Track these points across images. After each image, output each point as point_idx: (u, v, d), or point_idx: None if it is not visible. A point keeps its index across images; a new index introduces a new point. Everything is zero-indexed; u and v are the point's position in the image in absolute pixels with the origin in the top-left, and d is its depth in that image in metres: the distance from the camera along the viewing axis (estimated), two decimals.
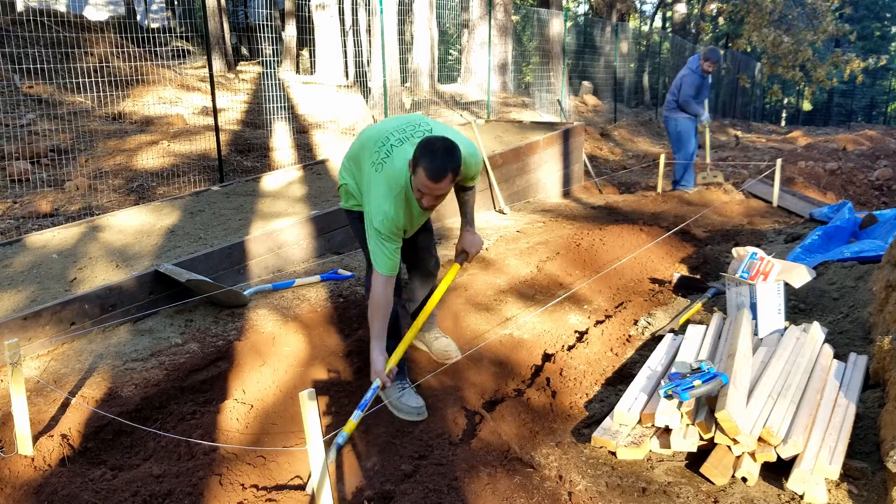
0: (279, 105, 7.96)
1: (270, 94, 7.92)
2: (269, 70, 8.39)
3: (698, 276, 4.89)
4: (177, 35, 14.24)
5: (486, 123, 9.59)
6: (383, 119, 3.22)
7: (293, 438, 3.02)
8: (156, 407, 3.18)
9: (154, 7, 19.17)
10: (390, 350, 2.98)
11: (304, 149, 8.33)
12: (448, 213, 6.21)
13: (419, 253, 3.33)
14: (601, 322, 4.06)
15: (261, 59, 14.23)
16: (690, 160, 8.32)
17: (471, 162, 2.88)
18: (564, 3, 21.50)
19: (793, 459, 2.45)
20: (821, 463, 2.39)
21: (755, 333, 3.36)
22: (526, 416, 3.00)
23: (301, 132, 9.03)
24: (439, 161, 2.59)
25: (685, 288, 4.66)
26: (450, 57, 21.11)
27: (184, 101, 10.00)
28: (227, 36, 13.99)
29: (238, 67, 13.98)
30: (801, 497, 2.37)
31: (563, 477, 2.54)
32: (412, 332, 3.07)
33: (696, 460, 2.57)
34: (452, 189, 2.93)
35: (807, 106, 25.97)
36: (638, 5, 27.22)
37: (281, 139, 8.05)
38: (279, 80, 8.21)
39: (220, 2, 13.52)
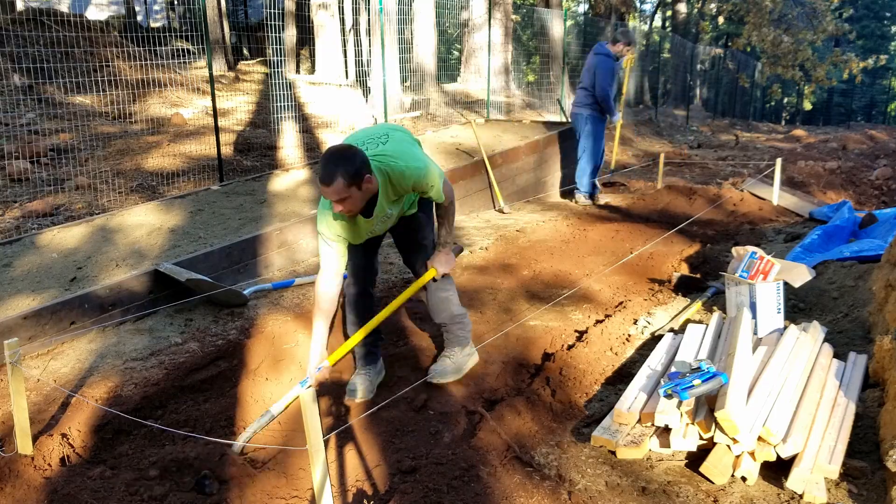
0: (284, 104, 7.96)
1: (275, 92, 7.92)
2: (275, 69, 8.38)
3: (698, 276, 4.89)
4: (177, 35, 14.23)
5: (486, 123, 9.59)
6: (364, 127, 3.37)
7: (294, 437, 3.02)
8: (155, 406, 3.18)
9: (155, 7, 19.17)
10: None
11: (305, 148, 8.33)
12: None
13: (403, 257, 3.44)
14: (601, 321, 4.06)
15: (264, 58, 14.22)
16: (600, 163, 7.57)
17: (409, 174, 2.88)
18: (564, 2, 21.51)
19: (792, 459, 2.45)
20: (820, 462, 2.39)
21: (755, 333, 3.36)
22: (525, 415, 3.00)
23: (302, 131, 9.03)
24: (328, 166, 2.66)
25: (685, 287, 4.67)
26: (451, 57, 21.10)
27: (184, 101, 10.00)
28: (227, 36, 13.98)
29: (238, 67, 13.98)
30: (801, 496, 2.37)
31: (563, 476, 2.54)
32: (357, 336, 3.06)
33: (695, 460, 2.57)
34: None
35: (807, 105, 25.96)
36: (638, 4, 27.20)
37: (284, 138, 8.05)
38: (286, 79, 8.18)
39: (219, 2, 13.51)
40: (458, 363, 3.38)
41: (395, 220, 3.12)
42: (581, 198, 7.54)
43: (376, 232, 3.11)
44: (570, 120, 8.07)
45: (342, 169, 2.64)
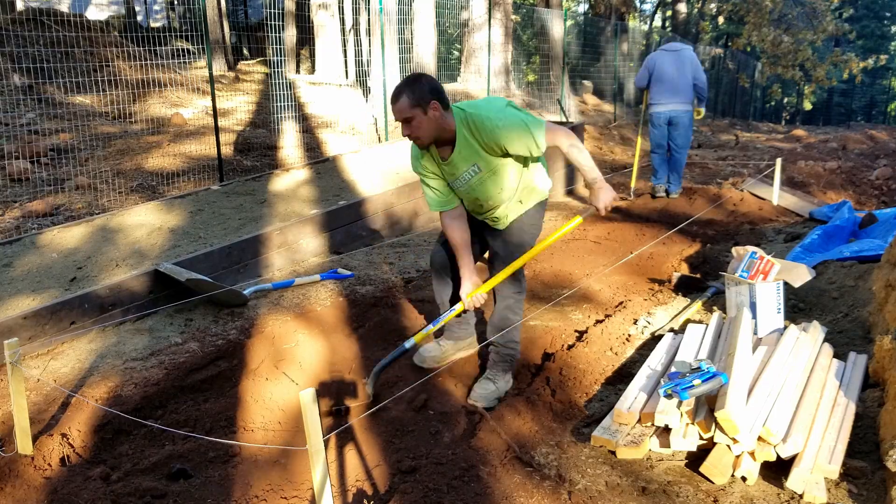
0: (284, 104, 7.96)
1: (275, 92, 7.92)
2: (275, 69, 8.38)
3: (698, 276, 4.89)
4: (177, 35, 14.24)
5: None
6: None
7: (294, 437, 3.02)
8: (155, 406, 3.18)
9: (155, 7, 19.17)
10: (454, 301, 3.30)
11: (305, 148, 8.34)
12: None
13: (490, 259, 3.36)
14: (601, 321, 4.06)
15: (264, 58, 14.22)
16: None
17: (489, 124, 2.84)
18: (564, 2, 21.50)
19: (792, 459, 2.45)
20: (820, 462, 2.39)
21: (755, 333, 3.36)
22: (525, 415, 3.00)
23: (302, 131, 9.03)
24: (397, 87, 2.85)
25: (685, 287, 4.66)
26: (451, 57, 21.10)
27: (184, 101, 10.01)
28: (227, 36, 13.99)
29: (238, 67, 13.99)
30: (801, 496, 2.37)
31: (563, 476, 2.54)
32: (500, 276, 3.10)
33: (695, 460, 2.57)
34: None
35: (807, 105, 25.97)
36: (638, 4, 27.21)
37: (284, 138, 8.06)
38: (286, 78, 8.19)
39: (219, 2, 13.51)
40: (500, 389, 3.27)
41: (484, 186, 2.99)
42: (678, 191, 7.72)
43: (461, 188, 3.03)
44: (568, 119, 8.05)
45: (408, 89, 2.81)
